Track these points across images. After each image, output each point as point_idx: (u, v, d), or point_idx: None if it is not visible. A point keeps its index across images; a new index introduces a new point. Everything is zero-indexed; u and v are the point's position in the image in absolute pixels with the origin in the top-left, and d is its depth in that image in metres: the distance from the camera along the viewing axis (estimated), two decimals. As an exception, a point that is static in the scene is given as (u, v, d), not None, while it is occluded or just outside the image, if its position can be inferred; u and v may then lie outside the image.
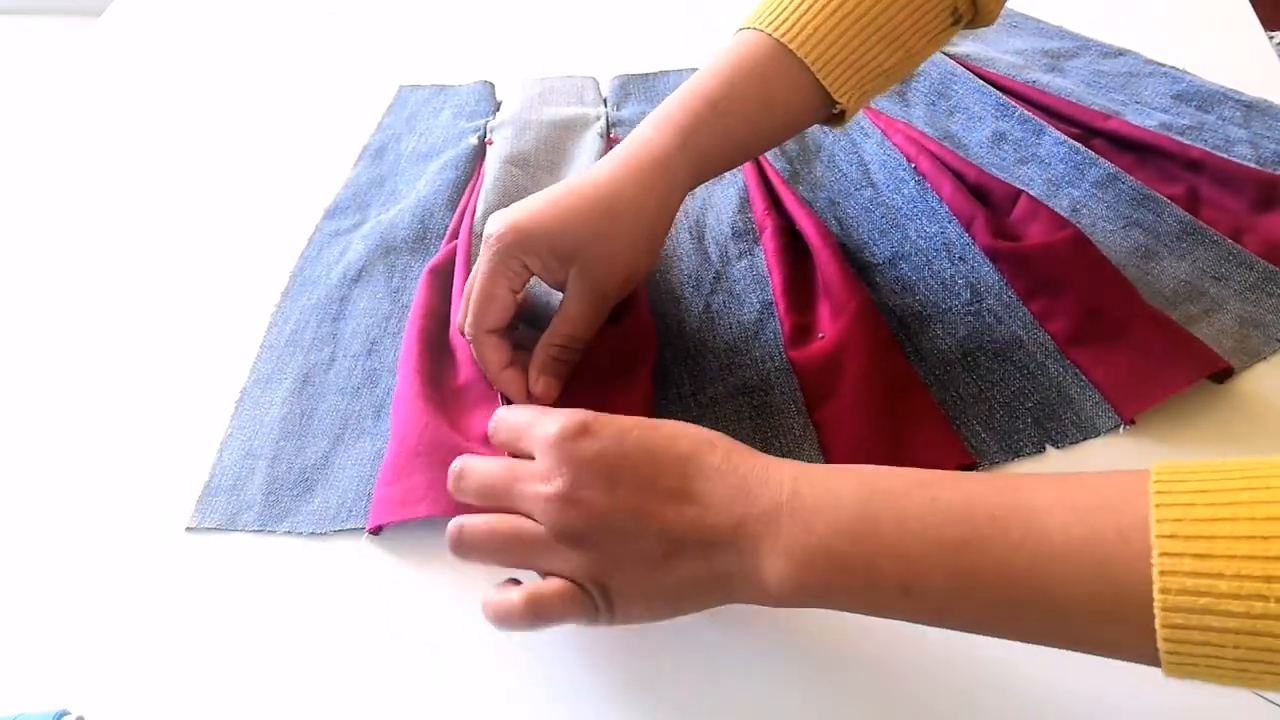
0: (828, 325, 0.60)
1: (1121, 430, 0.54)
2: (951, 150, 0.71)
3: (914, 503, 0.38)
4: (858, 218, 0.68)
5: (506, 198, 0.70)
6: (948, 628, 0.39)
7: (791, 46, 0.53)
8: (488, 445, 0.55)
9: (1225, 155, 0.68)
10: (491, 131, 0.78)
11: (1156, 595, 0.32)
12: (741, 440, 0.45)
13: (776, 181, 0.70)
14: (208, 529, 0.54)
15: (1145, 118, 0.72)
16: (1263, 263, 0.61)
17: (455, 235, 0.68)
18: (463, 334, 0.57)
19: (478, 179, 0.73)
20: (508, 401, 0.57)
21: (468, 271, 0.64)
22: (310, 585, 0.51)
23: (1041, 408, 0.56)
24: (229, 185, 0.77)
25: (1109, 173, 0.68)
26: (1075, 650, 0.36)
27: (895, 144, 0.73)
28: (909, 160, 0.71)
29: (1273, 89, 0.74)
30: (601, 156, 0.73)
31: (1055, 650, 0.37)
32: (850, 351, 0.56)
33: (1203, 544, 0.32)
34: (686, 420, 0.45)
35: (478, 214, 0.69)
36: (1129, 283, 0.60)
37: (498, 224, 0.54)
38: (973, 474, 0.39)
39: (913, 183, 0.69)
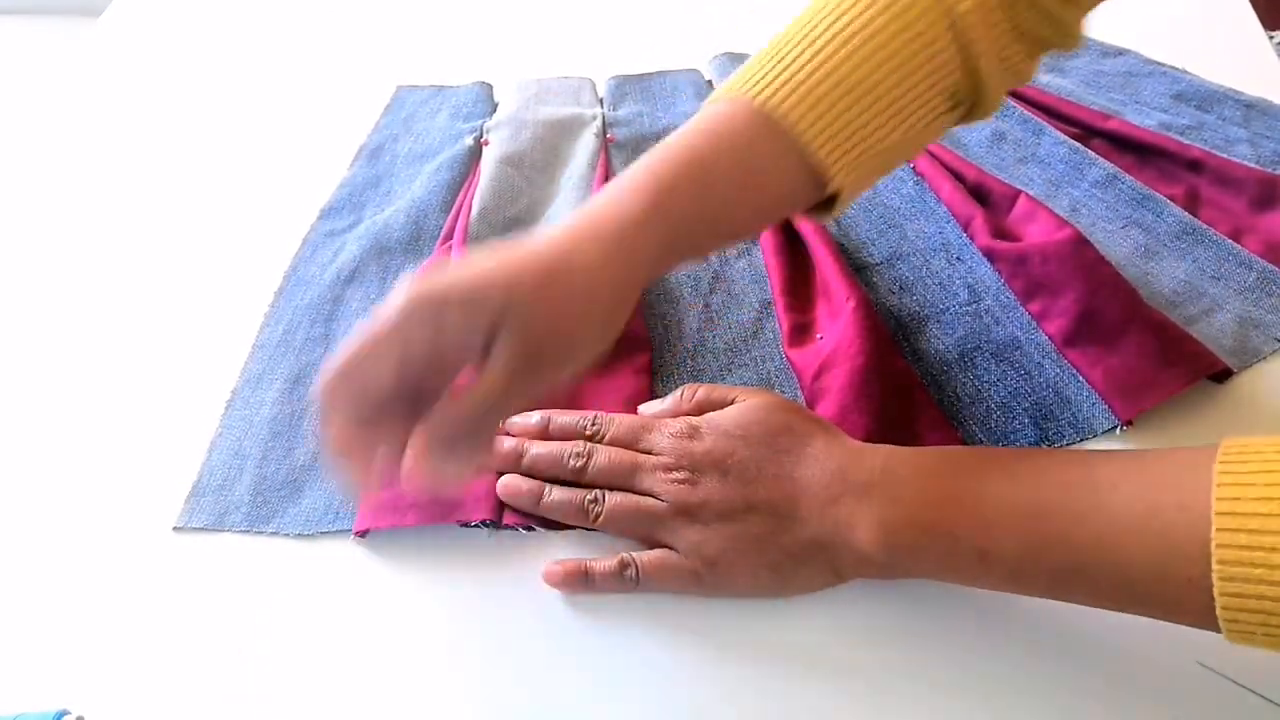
0: (825, 325, 0.59)
1: (1119, 431, 0.54)
2: (950, 150, 0.71)
3: (992, 477, 0.43)
4: (855, 217, 0.68)
5: (502, 197, 0.70)
6: (1023, 593, 0.43)
7: (776, 113, 0.45)
8: None
9: (1225, 155, 0.68)
10: (488, 132, 0.77)
11: (1214, 565, 0.35)
12: None
13: (774, 181, 0.70)
14: (195, 529, 0.54)
15: (1145, 117, 0.72)
16: (1261, 262, 0.61)
17: (449, 237, 0.68)
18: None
19: (473, 180, 0.73)
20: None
21: None
22: (301, 585, 0.51)
23: (1039, 408, 0.55)
24: (227, 185, 0.77)
25: (1108, 173, 0.68)
26: (1144, 614, 0.39)
27: (893, 144, 0.72)
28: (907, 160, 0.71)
29: (1273, 89, 0.74)
30: (597, 157, 0.74)
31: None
32: (848, 351, 0.56)
33: (1258, 520, 0.34)
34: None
35: (473, 214, 0.69)
36: (1128, 283, 0.59)
37: (418, 282, 0.41)
38: (1046, 450, 0.45)
39: (911, 183, 0.69)
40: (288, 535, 0.53)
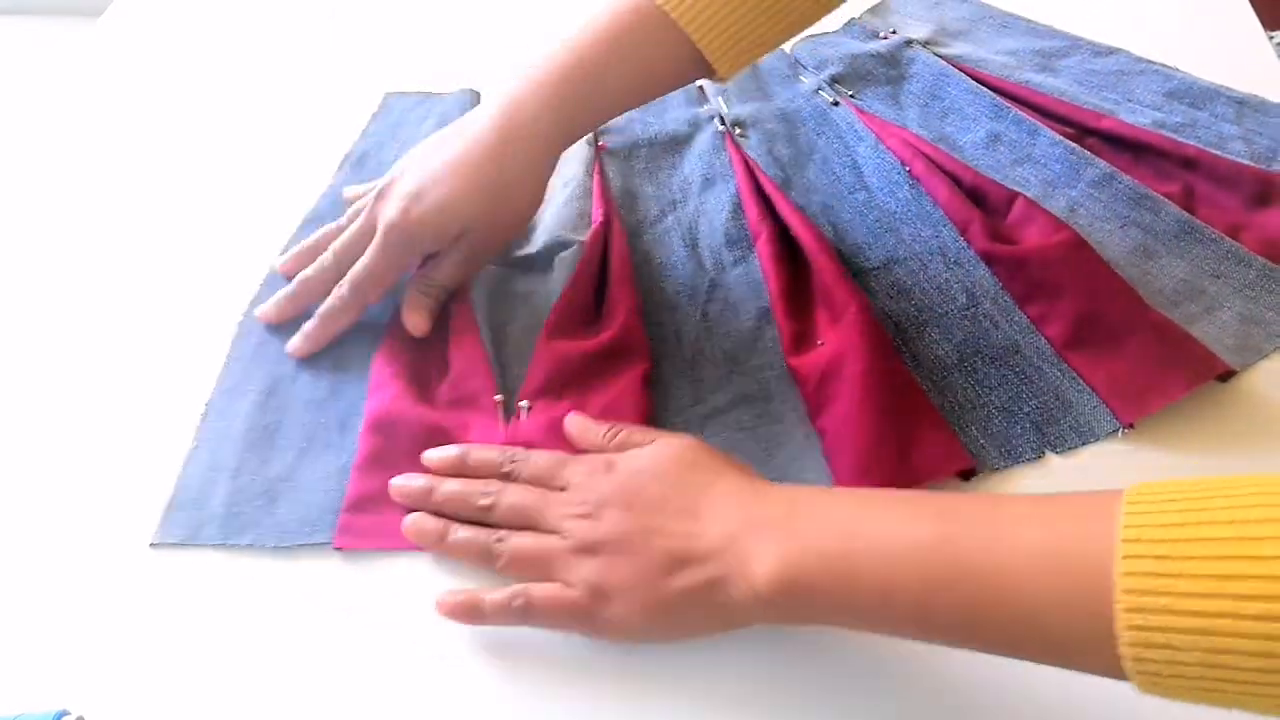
0: (826, 331, 0.59)
1: (1121, 434, 0.54)
2: (947, 152, 0.70)
3: (896, 512, 0.42)
4: (852, 222, 0.68)
5: None
6: (928, 638, 0.41)
7: (674, 15, 0.55)
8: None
9: (1219, 152, 0.68)
10: None
11: (1118, 594, 0.33)
12: (744, 452, 0.54)
13: (769, 188, 0.69)
14: (171, 544, 0.53)
15: (1138, 116, 0.72)
16: (1260, 260, 0.61)
17: None
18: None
19: None
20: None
21: (464, 291, 0.63)
22: (294, 587, 0.51)
23: (1040, 412, 0.55)
24: (217, 189, 0.76)
25: (1105, 172, 0.67)
26: (1052, 661, 0.38)
27: (889, 147, 0.72)
28: (903, 164, 0.70)
29: (1272, 89, 0.74)
30: (592, 164, 0.73)
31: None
32: (850, 357, 0.56)
33: (1165, 546, 0.33)
34: (688, 432, 0.51)
35: None
36: (1128, 285, 0.59)
37: (392, 213, 0.58)
38: (954, 493, 0.44)
39: (907, 186, 0.68)
40: (264, 549, 0.53)
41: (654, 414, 0.57)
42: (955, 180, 0.68)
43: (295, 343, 0.61)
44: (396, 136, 0.79)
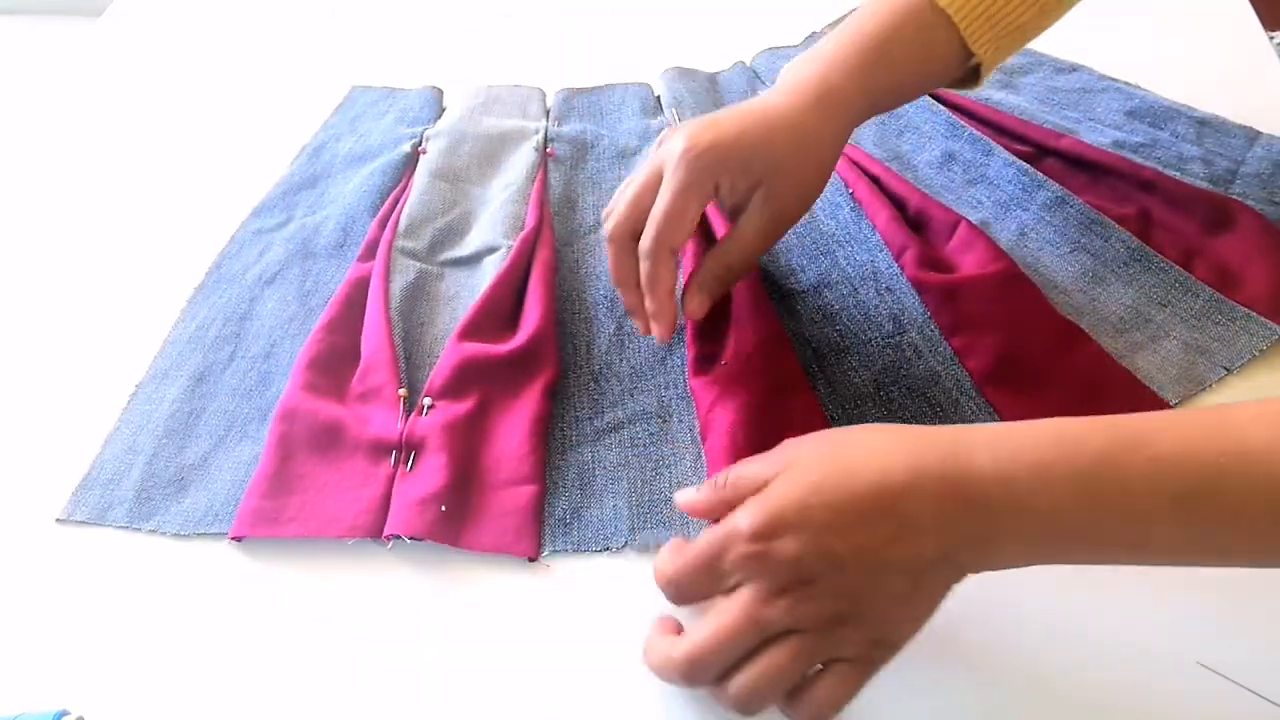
0: (731, 355, 0.58)
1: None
2: (897, 174, 0.69)
3: (1134, 467, 0.39)
4: (788, 242, 0.66)
5: (430, 209, 0.69)
6: (1182, 564, 0.40)
7: (940, 3, 0.54)
8: (375, 454, 0.55)
9: (1178, 173, 0.66)
10: (427, 140, 0.76)
11: None
12: (632, 467, 0.54)
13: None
14: (79, 522, 0.54)
15: (1098, 135, 0.70)
16: (1208, 290, 0.59)
17: (372, 245, 0.67)
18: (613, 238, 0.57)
19: (405, 188, 0.72)
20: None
21: (384, 286, 0.64)
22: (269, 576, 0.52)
23: (951, 448, 0.54)
24: (213, 183, 0.77)
25: (1058, 195, 0.66)
26: None
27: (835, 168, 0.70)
28: (846, 185, 0.69)
29: (1273, 89, 0.73)
30: (536, 170, 0.73)
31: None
32: (743, 390, 0.55)
33: None
34: (580, 447, 0.54)
35: (400, 228, 0.68)
36: (1063, 321, 0.58)
37: (692, 138, 0.53)
38: (1175, 417, 0.41)
39: (848, 209, 0.67)
40: (165, 534, 0.53)
41: (551, 425, 0.57)
42: (901, 203, 0.67)
43: (657, 332, 0.56)
44: (354, 129, 0.80)
